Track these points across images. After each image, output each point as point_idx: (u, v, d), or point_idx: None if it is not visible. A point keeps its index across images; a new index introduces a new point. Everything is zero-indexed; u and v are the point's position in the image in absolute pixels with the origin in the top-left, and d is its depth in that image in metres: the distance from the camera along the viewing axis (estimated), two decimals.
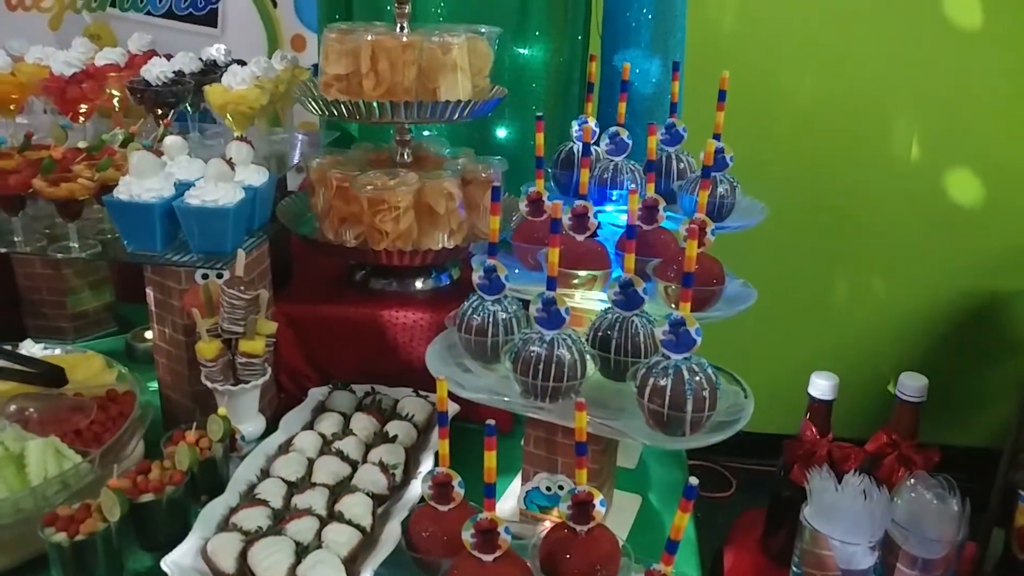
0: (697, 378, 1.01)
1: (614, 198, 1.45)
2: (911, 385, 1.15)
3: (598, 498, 1.00)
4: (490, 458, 0.95)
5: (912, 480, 1.06)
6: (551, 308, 1.07)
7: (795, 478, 1.15)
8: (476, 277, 1.16)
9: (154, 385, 1.40)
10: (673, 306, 1.24)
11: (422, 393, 1.36)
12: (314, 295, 1.48)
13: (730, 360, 1.13)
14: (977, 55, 2.28)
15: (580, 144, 1.40)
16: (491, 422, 0.95)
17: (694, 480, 0.86)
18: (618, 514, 1.22)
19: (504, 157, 1.54)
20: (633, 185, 1.42)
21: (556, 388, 1.07)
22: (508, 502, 1.23)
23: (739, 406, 1.08)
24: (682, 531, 0.89)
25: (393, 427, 1.26)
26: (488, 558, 0.95)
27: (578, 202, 1.25)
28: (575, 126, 1.52)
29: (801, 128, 2.36)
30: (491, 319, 1.15)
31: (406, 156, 1.46)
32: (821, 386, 1.15)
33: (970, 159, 2.43)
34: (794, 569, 1.08)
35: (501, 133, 1.81)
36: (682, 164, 1.50)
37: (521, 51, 1.75)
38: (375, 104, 1.29)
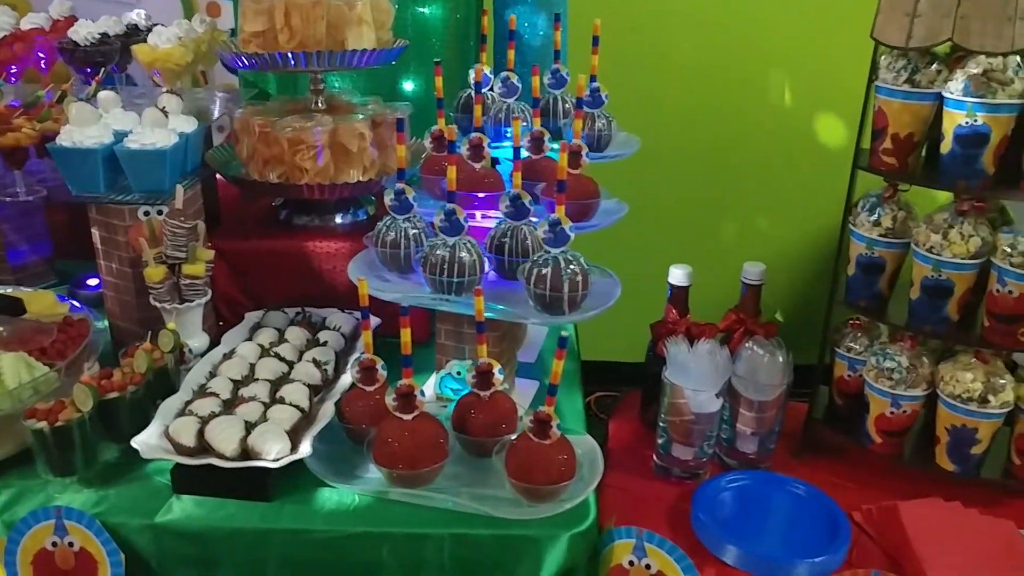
0: (572, 266, 1.24)
1: (508, 135, 1.66)
2: (753, 271, 1.40)
3: (496, 367, 1.22)
4: (405, 334, 1.16)
5: (750, 342, 1.31)
6: (452, 218, 1.28)
7: (660, 352, 1.39)
8: (388, 199, 1.36)
9: (100, 324, 1.55)
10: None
11: (347, 310, 1.55)
12: (244, 233, 1.65)
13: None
14: (840, 13, 2.55)
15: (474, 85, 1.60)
16: (405, 305, 1.16)
17: (565, 332, 1.09)
18: (519, 396, 1.44)
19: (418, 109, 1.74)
20: (523, 121, 1.63)
21: (459, 283, 1.28)
22: (426, 392, 1.44)
23: (610, 292, 1.32)
24: (559, 376, 1.11)
25: (323, 335, 1.45)
26: (408, 417, 1.16)
27: (473, 134, 1.46)
28: (472, 74, 1.73)
29: (686, 77, 2.59)
30: (403, 234, 1.35)
31: (320, 104, 1.63)
32: (678, 275, 1.39)
33: (834, 105, 2.71)
34: (660, 424, 1.32)
35: (408, 86, 2.00)
36: (567, 105, 1.71)
37: (423, 10, 1.94)
38: (290, 55, 1.46)
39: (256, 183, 1.58)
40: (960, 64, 1.11)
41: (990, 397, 1.20)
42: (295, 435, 1.20)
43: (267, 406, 1.23)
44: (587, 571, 1.16)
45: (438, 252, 1.28)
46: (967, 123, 1.11)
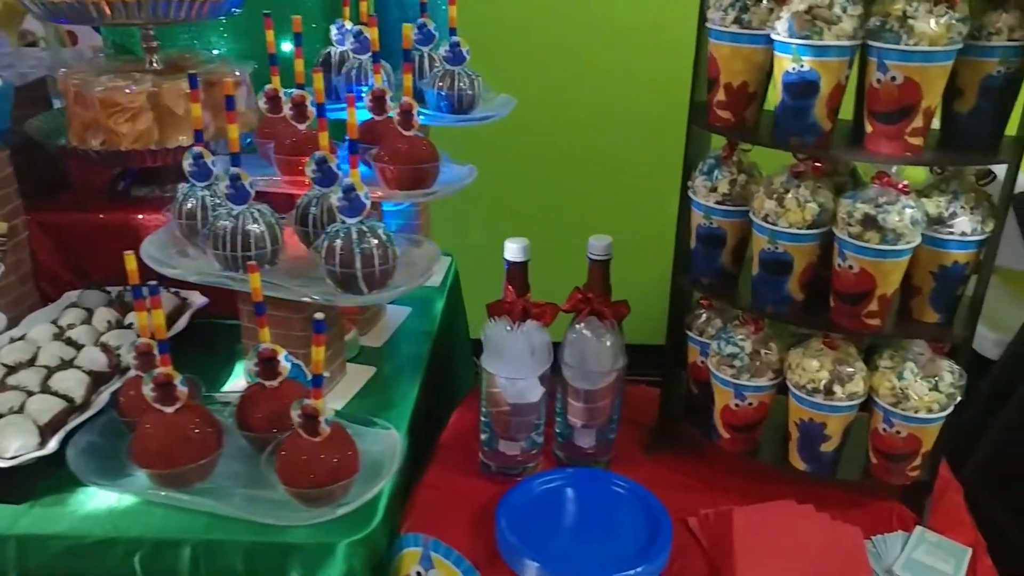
0: (368, 239, 1.09)
1: (364, 95, 1.51)
2: (598, 245, 1.24)
3: (282, 354, 1.09)
4: (157, 315, 1.02)
5: (580, 324, 1.16)
6: (237, 184, 1.13)
7: None
8: (186, 164, 1.22)
9: None
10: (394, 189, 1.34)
11: (173, 289, 1.42)
12: (78, 205, 1.52)
13: None
14: None
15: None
16: (153, 283, 1.02)
17: (319, 315, 0.95)
18: (347, 383, 1.31)
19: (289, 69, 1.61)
20: (383, 82, 1.48)
21: (246, 258, 1.14)
22: (241, 382, 1.31)
23: (428, 266, 1.18)
24: (320, 364, 0.97)
25: (132, 317, 1.32)
26: (169, 410, 1.03)
27: (296, 92, 1.31)
28: (333, 30, 1.58)
29: (554, 40, 2.41)
30: (200, 204, 1.21)
31: (154, 63, 1.49)
32: (513, 249, 1.23)
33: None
34: (482, 418, 1.18)
35: (286, 47, 1.85)
36: (436, 63, 1.57)
37: None
38: (90, 4, 1.32)
39: (76, 151, 1.44)
40: (787, 0, 0.94)
41: (836, 388, 1.05)
42: (55, 429, 1.07)
43: (31, 395, 1.11)
44: None
45: (222, 223, 1.14)
46: (794, 69, 0.95)
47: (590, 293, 1.27)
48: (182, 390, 1.03)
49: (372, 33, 1.39)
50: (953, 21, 0.88)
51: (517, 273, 1.27)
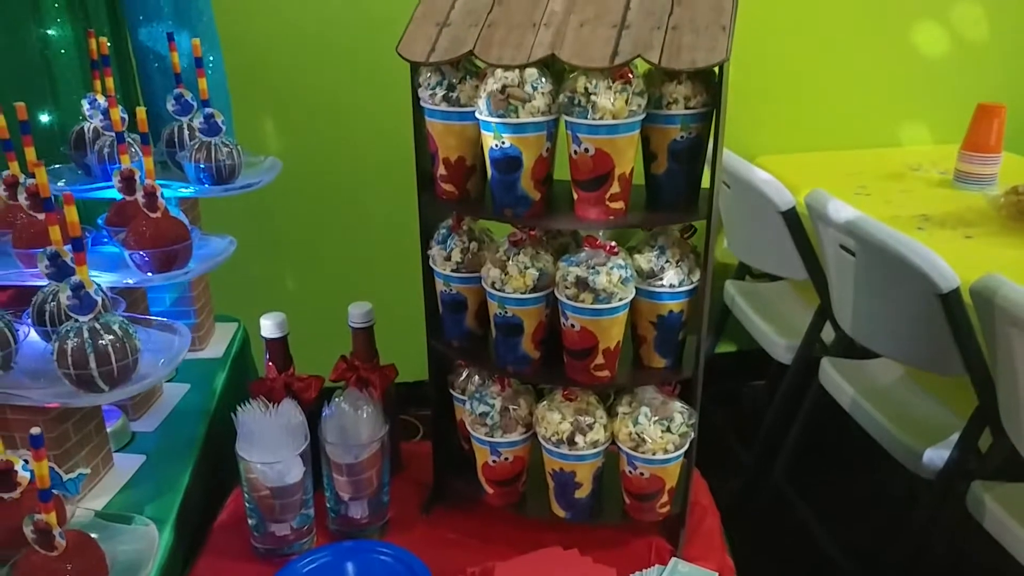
0: (104, 335, 1.06)
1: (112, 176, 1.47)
2: (357, 313, 1.26)
3: (18, 464, 1.04)
4: None
5: (338, 398, 1.17)
6: None
7: None
8: None
9: None
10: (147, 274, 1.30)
11: None
12: None
13: None
14: None
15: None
16: None
17: (35, 430, 0.91)
18: (113, 476, 1.26)
19: (50, 143, 1.55)
20: (131, 160, 1.44)
21: None
22: None
23: (176, 354, 1.16)
24: (45, 479, 0.93)
25: None
26: None
27: (31, 180, 1.26)
28: (85, 104, 1.53)
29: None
30: None
31: None
32: (267, 326, 1.23)
33: None
34: (247, 504, 1.16)
35: (44, 118, 1.77)
36: (197, 134, 1.54)
37: (49, 32, 1.71)
38: None
39: None
40: (483, 79, 0.99)
41: (578, 438, 1.10)
42: None
43: None
44: None
45: None
46: (497, 146, 0.99)
47: (356, 360, 1.28)
48: None
49: (114, 114, 1.35)
50: (630, 95, 0.94)
51: (277, 349, 1.27)
